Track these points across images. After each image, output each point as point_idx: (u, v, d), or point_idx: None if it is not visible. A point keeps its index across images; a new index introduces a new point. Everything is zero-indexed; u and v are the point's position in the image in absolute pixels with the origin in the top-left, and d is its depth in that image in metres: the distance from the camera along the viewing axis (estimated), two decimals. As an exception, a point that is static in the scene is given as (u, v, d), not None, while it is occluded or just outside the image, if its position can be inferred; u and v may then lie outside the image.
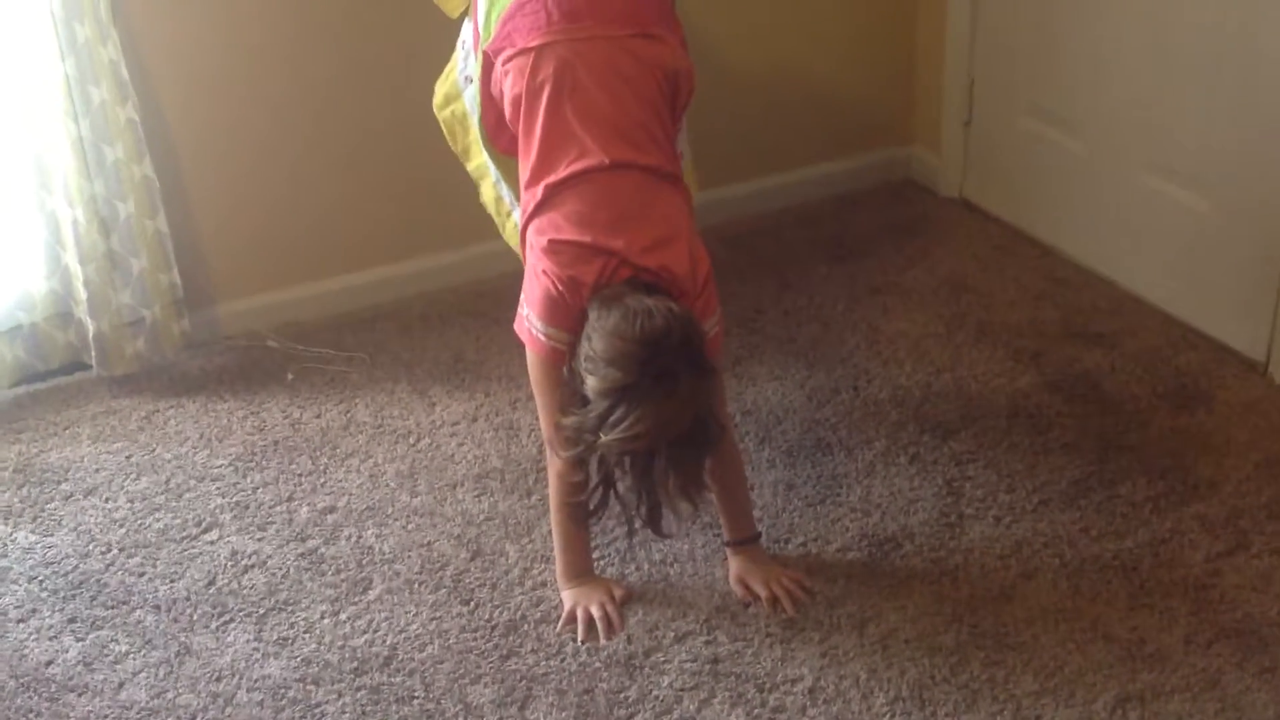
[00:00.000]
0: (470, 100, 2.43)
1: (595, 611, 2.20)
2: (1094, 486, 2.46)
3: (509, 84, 2.21)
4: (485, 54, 2.29)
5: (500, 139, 2.33)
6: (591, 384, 1.95)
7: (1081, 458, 2.53)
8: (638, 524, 2.08)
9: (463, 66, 2.45)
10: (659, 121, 2.21)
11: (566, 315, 2.06)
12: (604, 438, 1.93)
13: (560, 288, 2.05)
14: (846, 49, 3.46)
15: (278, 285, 3.11)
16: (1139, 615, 2.17)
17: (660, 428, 1.92)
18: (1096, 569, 2.27)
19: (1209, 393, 2.69)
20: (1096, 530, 2.35)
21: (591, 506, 2.07)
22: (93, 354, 2.87)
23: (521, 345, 2.19)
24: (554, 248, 2.08)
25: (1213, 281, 2.83)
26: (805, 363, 2.87)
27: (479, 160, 2.49)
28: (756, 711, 2.04)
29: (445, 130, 2.54)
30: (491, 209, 2.54)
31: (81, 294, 2.82)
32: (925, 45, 3.49)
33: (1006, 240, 3.32)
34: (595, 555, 2.32)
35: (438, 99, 2.54)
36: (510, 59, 2.21)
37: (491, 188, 2.50)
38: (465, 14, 2.48)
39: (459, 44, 2.49)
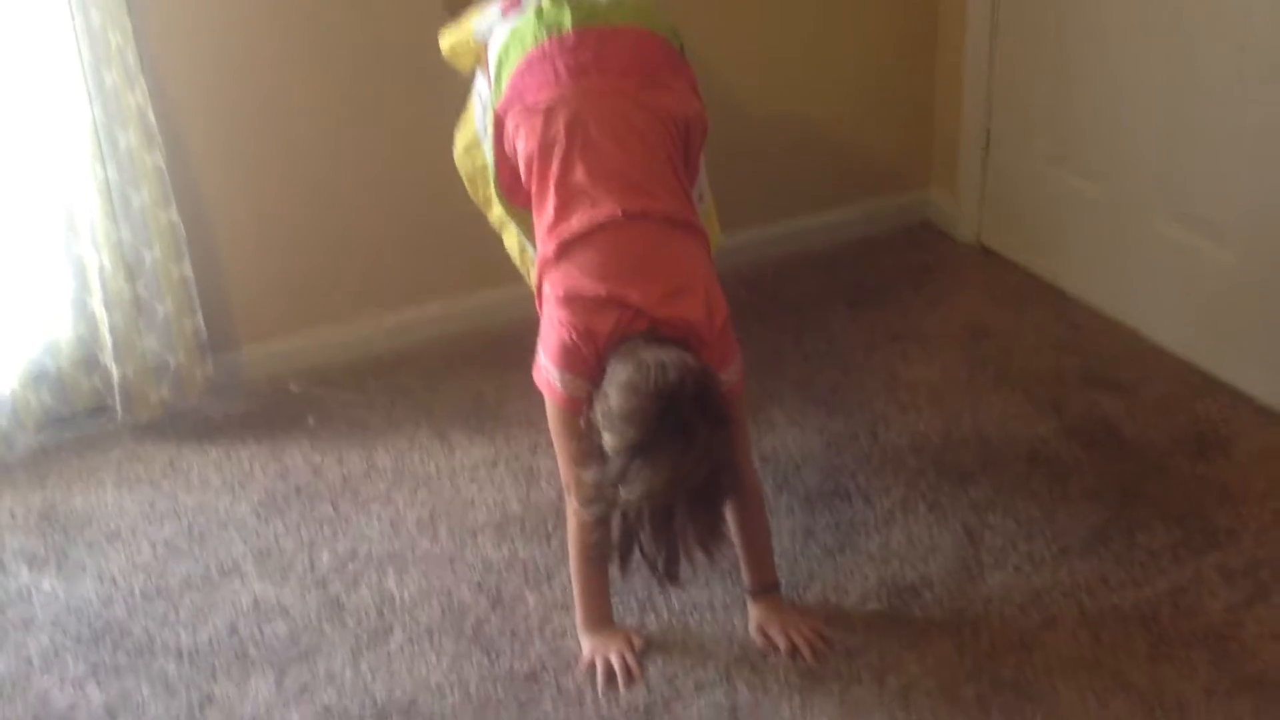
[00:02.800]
0: (490, 152, 2.45)
1: (615, 661, 2.21)
2: (1113, 535, 2.46)
3: (521, 142, 2.24)
4: (496, 113, 2.32)
5: (516, 195, 2.36)
6: (609, 440, 1.96)
7: (1101, 505, 2.53)
8: (656, 575, 2.08)
9: (481, 118, 2.48)
10: (672, 169, 2.23)
11: (583, 364, 2.07)
12: (622, 493, 1.93)
13: (576, 338, 2.07)
14: (865, 94, 3.49)
15: (300, 329, 3.14)
16: (1159, 665, 2.16)
17: (678, 481, 1.92)
18: (1116, 618, 2.26)
19: (1228, 440, 2.69)
20: (1116, 579, 2.35)
21: (618, 562, 2.06)
22: (117, 399, 2.90)
23: (540, 391, 2.21)
24: (569, 298, 2.10)
25: (1231, 329, 2.83)
26: (824, 408, 2.88)
27: (500, 210, 2.51)
28: (776, 763, 2.04)
29: (466, 180, 2.57)
30: (516, 258, 2.56)
31: (107, 339, 2.85)
32: (943, 91, 3.52)
33: (1025, 286, 3.33)
34: (615, 603, 2.32)
35: (458, 149, 2.56)
36: (521, 117, 2.24)
37: (514, 236, 2.52)
38: (477, 65, 2.51)
39: (474, 95, 2.51)
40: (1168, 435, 2.72)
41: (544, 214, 2.20)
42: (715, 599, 2.36)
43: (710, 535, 2.00)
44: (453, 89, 2.64)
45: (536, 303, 2.27)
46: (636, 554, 2.03)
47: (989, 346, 3.07)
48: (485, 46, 2.43)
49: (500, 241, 2.65)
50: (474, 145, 2.54)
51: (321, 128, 2.99)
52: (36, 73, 2.65)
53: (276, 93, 2.92)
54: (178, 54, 2.81)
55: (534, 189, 2.24)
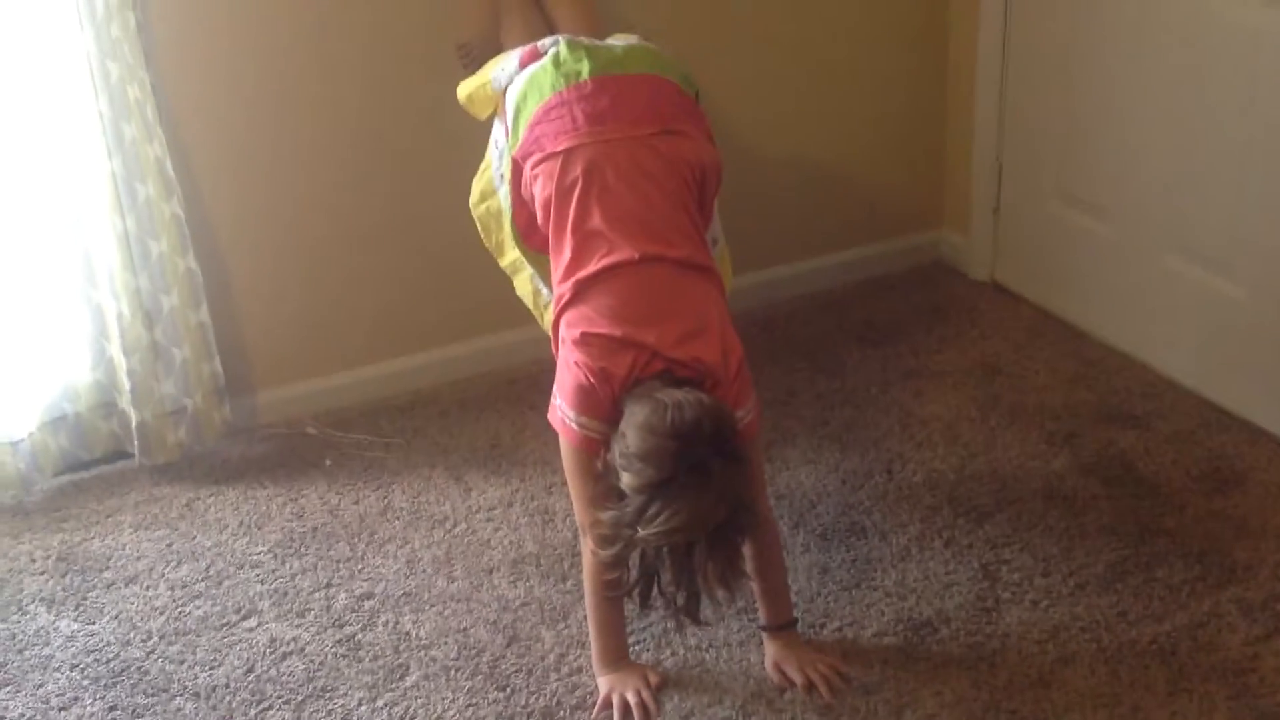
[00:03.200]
0: (505, 198, 2.48)
1: (631, 698, 2.20)
2: (1131, 570, 2.45)
3: (539, 187, 2.26)
4: (514, 159, 2.35)
5: (532, 239, 2.38)
6: (626, 480, 1.97)
7: (1118, 541, 2.53)
8: (676, 613, 2.08)
9: (497, 165, 2.51)
10: (687, 215, 2.25)
11: (598, 405, 2.08)
12: (641, 533, 1.94)
13: (592, 379, 2.08)
14: (876, 135, 3.52)
15: (317, 372, 3.16)
16: (1178, 701, 2.15)
17: (697, 520, 1.93)
18: (1134, 654, 2.25)
19: (1244, 475, 2.69)
20: (1134, 614, 2.34)
21: (638, 601, 2.06)
22: (135, 443, 2.92)
23: (555, 432, 2.22)
24: (585, 340, 2.11)
25: (1245, 363, 2.83)
26: (839, 446, 2.88)
27: (513, 256, 2.53)
28: (793, 799, 2.03)
29: (480, 226, 2.59)
30: (529, 302, 2.58)
31: (125, 384, 2.87)
32: (954, 131, 3.54)
33: (1038, 323, 3.33)
34: (630, 640, 2.33)
35: (474, 196, 2.59)
36: (539, 163, 2.27)
37: (527, 281, 2.54)
38: (494, 114, 2.54)
39: (491, 143, 2.55)
40: (1184, 470, 2.72)
41: (561, 258, 2.23)
42: (731, 635, 2.36)
43: (730, 573, 2.00)
44: (467, 136, 2.67)
45: (552, 345, 2.29)
46: (655, 592, 2.04)
47: (1003, 383, 3.08)
48: (503, 95, 2.46)
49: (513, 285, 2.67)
50: (489, 193, 2.56)
51: (336, 174, 3.02)
52: (57, 126, 2.69)
53: (291, 140, 2.96)
54: (194, 105, 2.85)
55: (551, 233, 2.26)
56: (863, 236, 3.61)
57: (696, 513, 1.93)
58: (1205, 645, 2.26)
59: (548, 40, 2.44)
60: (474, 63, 2.83)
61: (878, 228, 3.63)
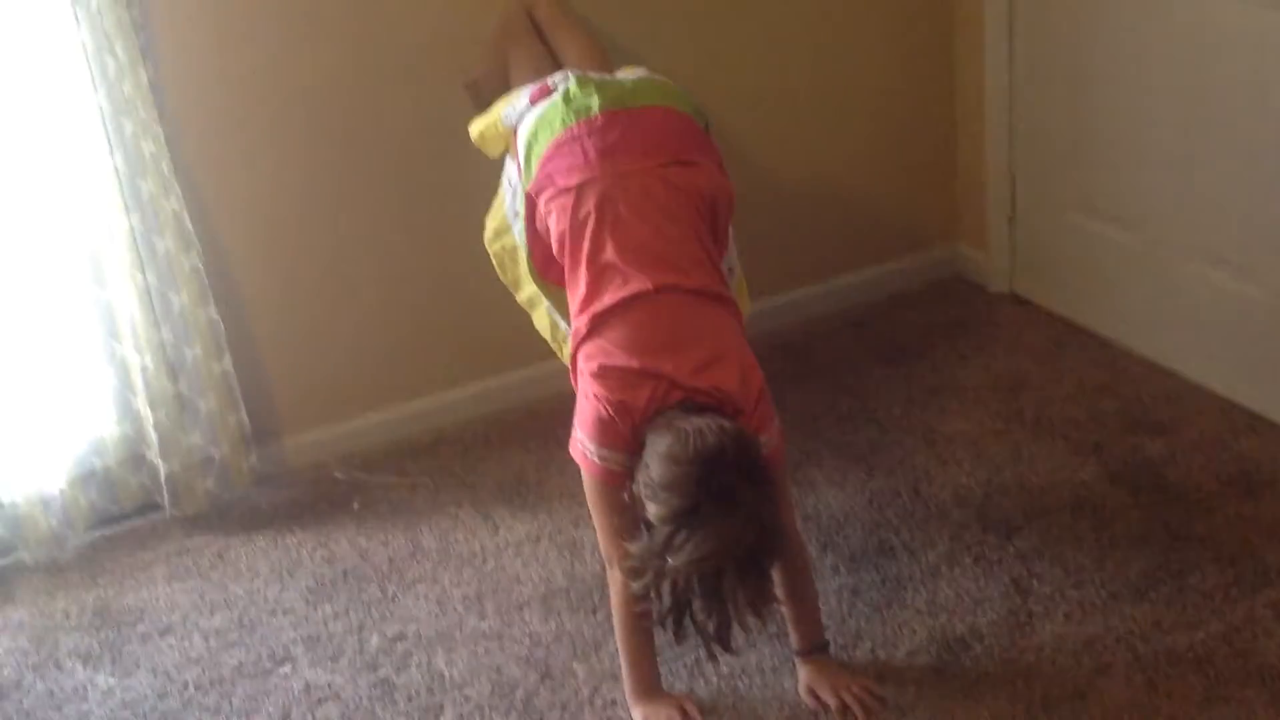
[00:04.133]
0: (519, 234, 2.49)
1: (667, 729, 2.20)
2: (1163, 578, 2.43)
3: (553, 222, 2.28)
4: (528, 195, 2.37)
5: (549, 272, 2.40)
6: (653, 510, 1.97)
7: (1149, 549, 2.51)
8: (709, 643, 2.06)
9: (510, 202, 2.52)
10: (700, 244, 2.26)
11: (618, 437, 2.09)
12: (670, 562, 1.94)
13: (611, 412, 2.09)
14: (887, 152, 3.52)
15: (341, 416, 3.18)
16: (1216, 708, 2.13)
17: (725, 545, 1.92)
18: (1170, 662, 2.24)
19: (1273, 477, 2.67)
20: (1168, 623, 2.33)
21: (672, 630, 2.04)
22: (165, 495, 2.94)
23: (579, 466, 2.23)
24: (603, 372, 2.12)
25: (1270, 365, 2.82)
26: (864, 466, 2.88)
27: (529, 290, 2.55)
28: (833, 824, 2.02)
29: (495, 263, 2.61)
30: (547, 335, 2.59)
31: (152, 437, 2.89)
32: (965, 143, 3.54)
33: (1059, 333, 3.32)
34: (663, 670, 2.32)
35: (488, 233, 2.61)
36: (552, 198, 2.29)
37: (545, 315, 2.55)
38: (506, 152, 2.56)
39: (504, 180, 2.56)
40: (1213, 475, 2.70)
41: (576, 291, 2.24)
42: (764, 661, 2.35)
43: (760, 599, 2.00)
44: (482, 176, 2.69)
45: (571, 378, 2.30)
46: (688, 621, 2.03)
47: (1027, 395, 3.07)
48: (514, 132, 2.48)
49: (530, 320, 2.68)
50: (504, 229, 2.58)
51: (352, 219, 3.04)
52: (74, 185, 2.72)
53: (308, 187, 2.98)
54: (211, 158, 2.87)
55: (567, 268, 2.28)
56: (879, 254, 3.61)
57: (724, 538, 1.93)
58: (1241, 651, 2.24)
59: (557, 76, 2.47)
60: (483, 100, 2.86)
61: (894, 244, 3.62)
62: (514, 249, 2.55)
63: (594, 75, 2.45)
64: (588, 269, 2.22)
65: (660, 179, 2.27)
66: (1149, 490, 2.68)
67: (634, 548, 2.01)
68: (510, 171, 2.54)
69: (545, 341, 2.65)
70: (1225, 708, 2.13)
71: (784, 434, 2.22)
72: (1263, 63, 2.64)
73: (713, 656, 2.09)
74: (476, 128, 2.63)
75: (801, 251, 3.48)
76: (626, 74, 2.53)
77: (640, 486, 2.02)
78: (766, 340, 2.99)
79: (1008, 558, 2.54)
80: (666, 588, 2.00)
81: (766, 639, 2.37)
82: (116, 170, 2.70)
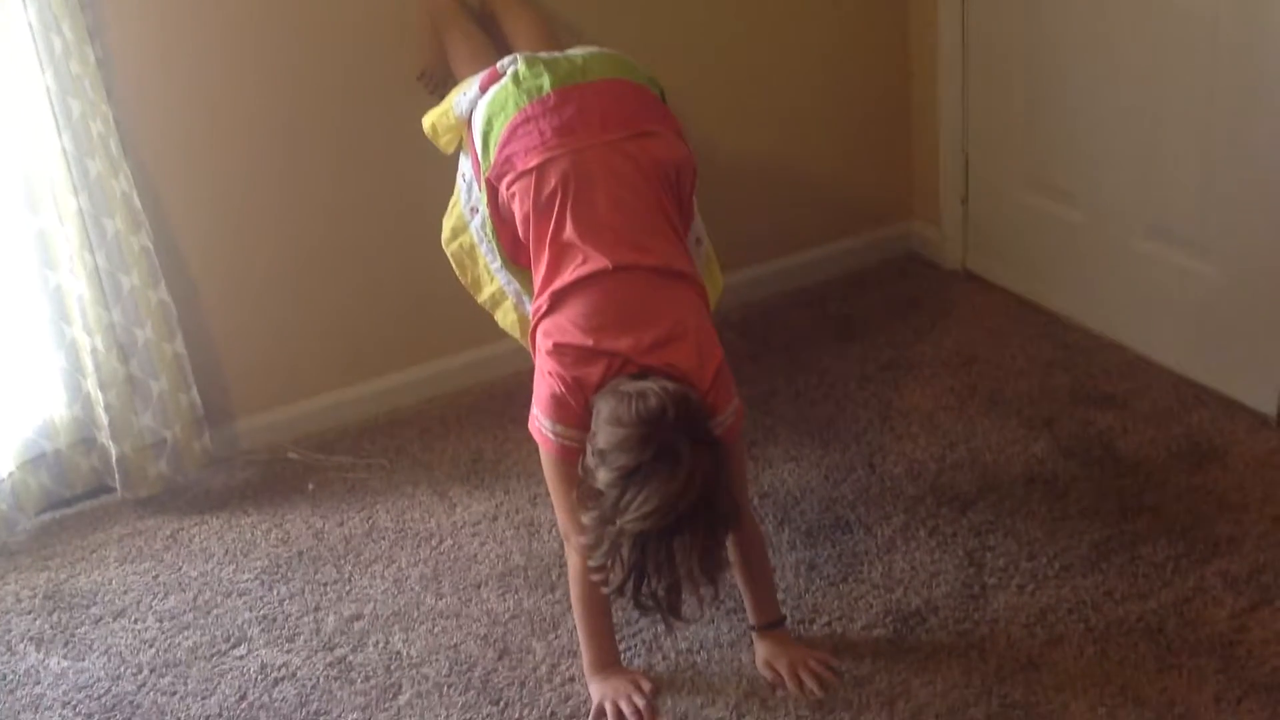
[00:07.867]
0: (477, 231, 2.49)
1: (624, 706, 2.20)
2: (1115, 549, 2.46)
3: (517, 205, 2.27)
4: (489, 181, 2.35)
5: (520, 257, 2.39)
6: (601, 476, 1.98)
7: (1100, 521, 2.54)
8: (663, 611, 2.06)
9: (466, 199, 2.51)
10: (664, 217, 2.26)
11: (573, 414, 2.09)
12: (619, 524, 1.95)
13: (564, 389, 2.09)
14: (842, 131, 3.53)
15: (295, 397, 3.16)
16: (1168, 676, 2.16)
17: (670, 503, 1.93)
18: (1122, 632, 2.26)
19: (1223, 449, 2.70)
20: (1120, 593, 2.35)
21: (631, 598, 2.03)
22: (116, 477, 2.91)
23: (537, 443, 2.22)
24: (559, 350, 2.12)
25: (1218, 339, 2.85)
26: (820, 442, 2.89)
27: (490, 290, 2.54)
28: (791, 796, 2.03)
29: (454, 264, 2.59)
30: (515, 333, 2.56)
31: (103, 419, 2.86)
32: (919, 123, 3.56)
33: (1012, 309, 3.35)
34: (621, 646, 2.33)
35: (445, 234, 2.59)
36: (514, 182, 2.28)
37: (510, 311, 2.53)
38: (460, 149, 2.55)
39: (459, 177, 2.55)
40: (1163, 447, 2.73)
41: (539, 268, 2.24)
42: (721, 636, 2.36)
43: (712, 563, 2.01)
44: (438, 156, 2.67)
45: (532, 357, 2.29)
46: (645, 590, 2.03)
47: (980, 371, 3.09)
48: (467, 122, 2.46)
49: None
50: (460, 229, 2.56)
51: (305, 199, 3.02)
52: (21, 166, 2.68)
53: (259, 167, 2.95)
54: (160, 137, 2.84)
55: (531, 248, 2.28)
56: (834, 232, 3.62)
57: (669, 495, 1.93)
58: (1192, 620, 2.27)
59: (506, 60, 2.44)
60: (438, 89, 2.84)
61: (849, 222, 3.64)
62: (472, 247, 2.54)
63: (543, 55, 2.43)
64: (550, 248, 2.22)
65: (620, 152, 2.26)
66: (1100, 463, 2.71)
67: (587, 518, 2.01)
68: (464, 168, 2.53)
69: (508, 333, 2.62)
70: (1177, 675, 2.16)
71: (743, 412, 2.22)
72: (1209, 43, 2.67)
73: (670, 629, 2.09)
74: (429, 120, 2.60)
75: (757, 229, 3.48)
76: (577, 51, 2.52)
77: (589, 456, 2.03)
78: (723, 317, 2.98)
79: (962, 531, 2.56)
80: (622, 554, 2.00)
81: (724, 614, 2.39)
82: (64, 150, 2.66)
